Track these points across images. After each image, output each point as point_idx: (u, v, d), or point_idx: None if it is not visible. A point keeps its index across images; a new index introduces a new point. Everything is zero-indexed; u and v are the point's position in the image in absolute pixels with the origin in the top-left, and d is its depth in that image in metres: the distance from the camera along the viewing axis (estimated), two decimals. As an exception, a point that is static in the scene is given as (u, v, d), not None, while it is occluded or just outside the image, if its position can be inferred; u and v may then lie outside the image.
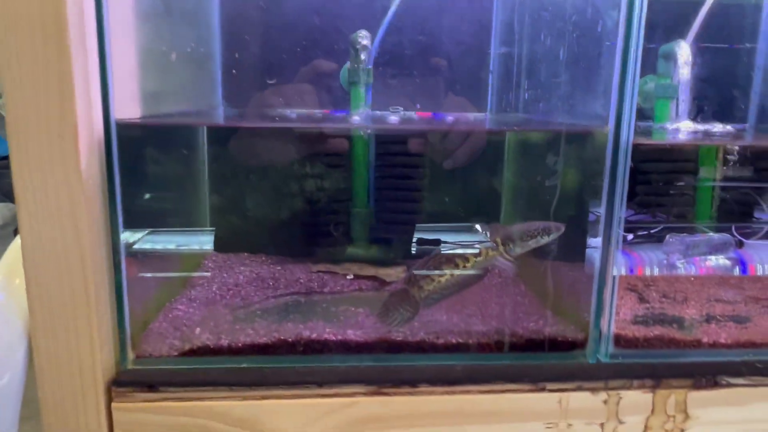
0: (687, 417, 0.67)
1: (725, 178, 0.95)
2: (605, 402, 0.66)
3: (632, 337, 0.70)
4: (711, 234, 0.86)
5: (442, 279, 0.72)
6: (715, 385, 0.67)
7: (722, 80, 1.05)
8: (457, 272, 0.72)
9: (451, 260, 0.72)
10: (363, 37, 0.95)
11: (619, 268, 0.86)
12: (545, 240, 0.72)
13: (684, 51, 0.93)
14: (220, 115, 0.99)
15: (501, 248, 0.73)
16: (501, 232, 0.73)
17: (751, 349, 0.71)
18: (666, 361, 0.69)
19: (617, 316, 0.77)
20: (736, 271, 0.85)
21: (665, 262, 0.82)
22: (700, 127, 0.94)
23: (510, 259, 0.73)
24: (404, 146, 0.96)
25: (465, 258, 0.72)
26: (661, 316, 0.78)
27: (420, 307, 0.72)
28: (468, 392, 0.65)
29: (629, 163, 0.65)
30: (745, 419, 0.67)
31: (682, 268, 0.80)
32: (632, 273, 0.83)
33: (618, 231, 0.67)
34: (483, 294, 0.83)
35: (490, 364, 0.68)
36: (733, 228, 0.91)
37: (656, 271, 0.83)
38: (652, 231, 0.91)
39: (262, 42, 1.01)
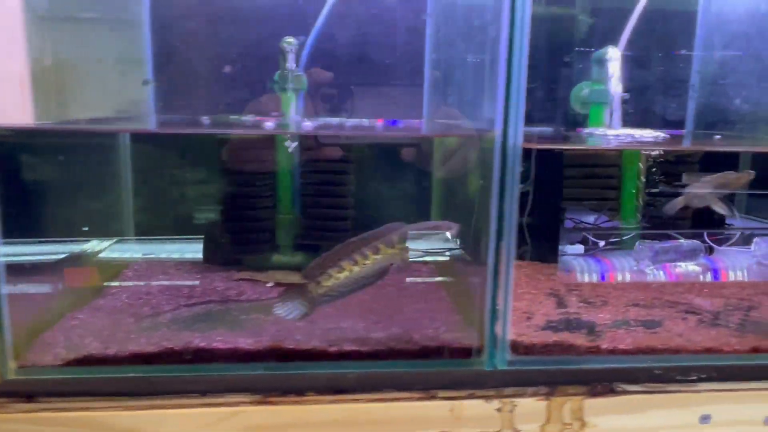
0: (584, 425, 0.65)
1: (650, 182, 0.95)
2: (499, 410, 0.64)
3: (531, 344, 0.69)
4: (681, 241, 0.85)
5: (341, 275, 0.70)
6: (611, 392, 0.66)
7: (658, 86, 1.05)
8: (357, 269, 0.71)
9: (351, 257, 0.71)
10: (290, 43, 0.94)
11: (590, 273, 0.86)
12: None
13: (614, 56, 0.93)
14: (148, 122, 0.99)
15: (398, 246, 0.72)
16: (399, 231, 0.72)
17: (653, 355, 0.70)
18: (563, 368, 0.67)
19: (528, 321, 0.76)
20: (708, 277, 0.85)
21: (635, 268, 0.82)
22: (632, 132, 0.94)
23: (407, 258, 0.72)
24: (328, 152, 0.96)
25: (363, 255, 0.71)
26: (572, 321, 0.77)
27: (316, 304, 0.70)
28: (357, 401, 0.64)
29: (519, 166, 0.64)
30: (642, 427, 0.66)
31: (652, 274, 0.80)
32: (603, 279, 0.83)
33: (511, 235, 0.66)
34: (390, 298, 0.82)
35: (383, 371, 0.67)
36: (705, 234, 0.90)
37: (627, 278, 0.83)
38: (623, 237, 0.90)
39: (194, 50, 1.01)
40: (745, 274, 0.85)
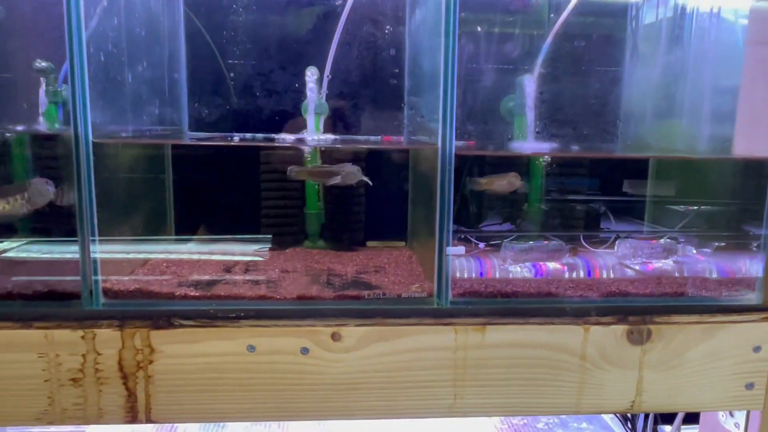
0: (153, 350, 0.73)
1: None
2: (83, 337, 0.72)
3: (123, 290, 0.78)
4: (544, 242, 0.96)
5: None
6: (171, 325, 0.73)
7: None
8: None
9: None
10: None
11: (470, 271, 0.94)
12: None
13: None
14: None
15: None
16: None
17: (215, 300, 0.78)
18: (135, 309, 0.76)
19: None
20: (576, 273, 0.92)
21: (503, 266, 0.91)
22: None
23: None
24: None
25: None
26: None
27: None
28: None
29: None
30: (200, 353, 0.73)
31: (518, 271, 0.90)
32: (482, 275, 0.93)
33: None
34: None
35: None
36: (582, 237, 1.02)
37: (497, 275, 0.91)
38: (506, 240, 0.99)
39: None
40: (610, 272, 0.92)
